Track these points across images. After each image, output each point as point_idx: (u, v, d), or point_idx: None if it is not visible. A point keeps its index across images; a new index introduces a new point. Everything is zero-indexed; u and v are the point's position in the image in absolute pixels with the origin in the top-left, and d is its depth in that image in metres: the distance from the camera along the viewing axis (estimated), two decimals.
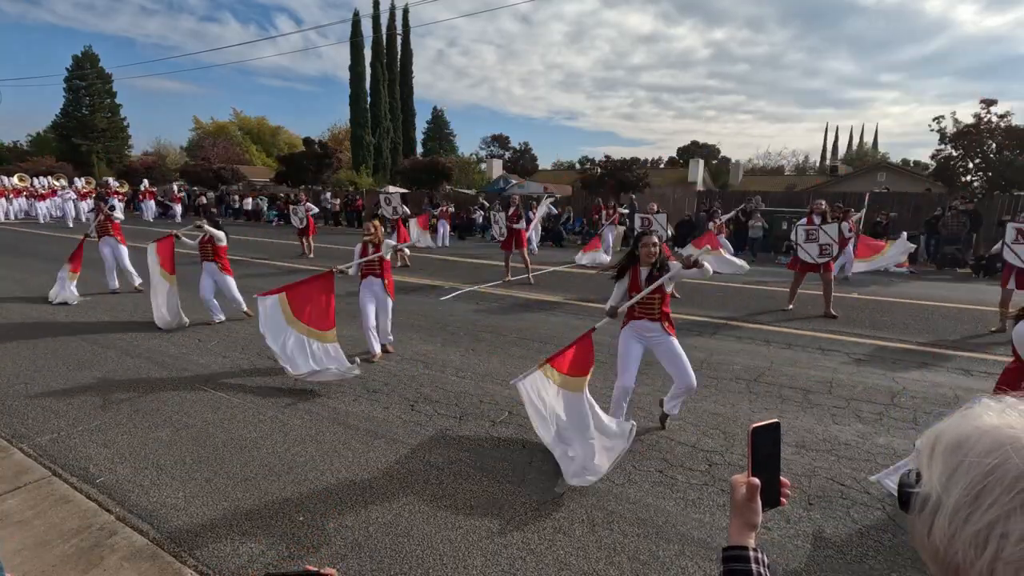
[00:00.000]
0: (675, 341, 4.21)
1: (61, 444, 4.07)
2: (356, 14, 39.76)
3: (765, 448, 0.98)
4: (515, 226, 11.26)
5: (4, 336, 6.80)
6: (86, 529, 3.03)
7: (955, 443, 0.64)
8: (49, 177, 29.03)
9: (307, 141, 38.41)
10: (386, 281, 6.09)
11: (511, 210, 11.54)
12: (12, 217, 25.90)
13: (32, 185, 27.45)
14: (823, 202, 8.98)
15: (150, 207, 27.38)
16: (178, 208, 27.26)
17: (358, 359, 5.22)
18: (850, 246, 11.48)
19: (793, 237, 8.79)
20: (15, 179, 27.58)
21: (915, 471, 0.70)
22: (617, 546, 2.98)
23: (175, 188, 29.28)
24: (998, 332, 7.50)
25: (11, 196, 26.28)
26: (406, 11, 41.34)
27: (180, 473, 3.69)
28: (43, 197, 26.03)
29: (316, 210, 15.43)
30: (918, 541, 0.68)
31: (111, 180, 27.42)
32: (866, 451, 4.05)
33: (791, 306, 8.77)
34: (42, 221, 24.63)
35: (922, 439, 0.71)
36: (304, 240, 15.07)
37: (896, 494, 0.72)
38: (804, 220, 8.72)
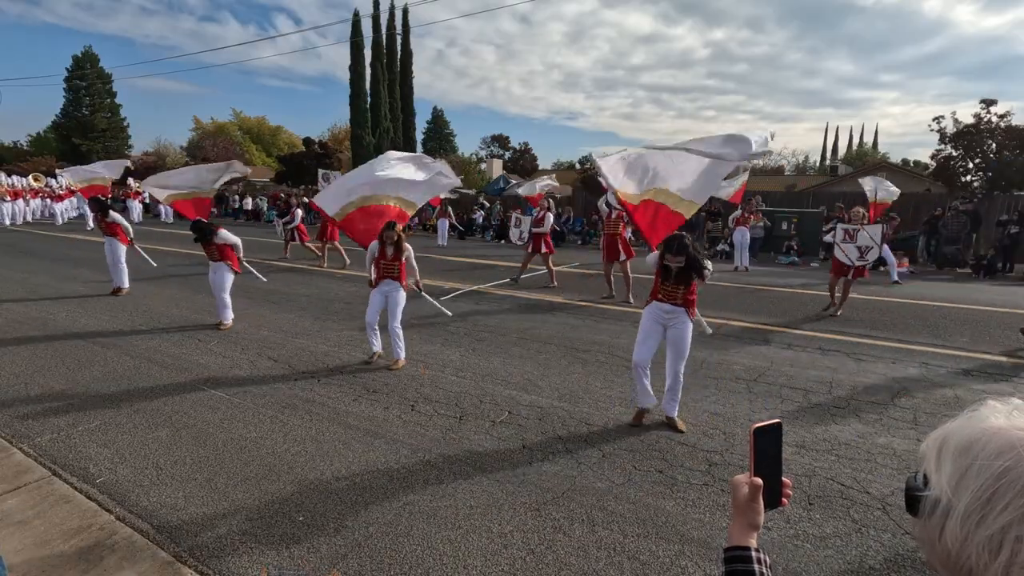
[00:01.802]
0: (689, 327, 4.41)
1: (61, 444, 4.07)
2: (356, 14, 39.70)
3: (767, 448, 0.98)
4: (537, 230, 10.92)
5: (4, 336, 6.80)
6: (86, 529, 3.03)
7: (964, 445, 0.64)
8: (64, 178, 28.27)
9: (307, 141, 38.45)
10: (403, 284, 5.95)
11: (539, 213, 11.19)
12: (28, 218, 24.72)
13: (48, 185, 26.47)
14: (861, 209, 8.77)
15: (170, 209, 26.85)
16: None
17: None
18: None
19: (830, 238, 8.65)
20: (31, 179, 26.58)
21: (922, 473, 0.69)
22: (617, 546, 2.98)
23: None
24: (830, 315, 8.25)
25: (28, 197, 25.30)
26: (406, 11, 41.30)
27: (180, 473, 3.69)
28: (60, 198, 25.04)
29: (299, 217, 14.25)
30: (927, 545, 0.67)
31: (130, 181, 26.90)
32: (866, 451, 4.05)
33: (839, 312, 8.48)
34: (60, 223, 23.61)
35: (928, 441, 0.70)
36: (288, 244, 14.10)
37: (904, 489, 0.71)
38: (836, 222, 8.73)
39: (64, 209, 24.85)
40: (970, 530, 0.60)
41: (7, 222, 22.60)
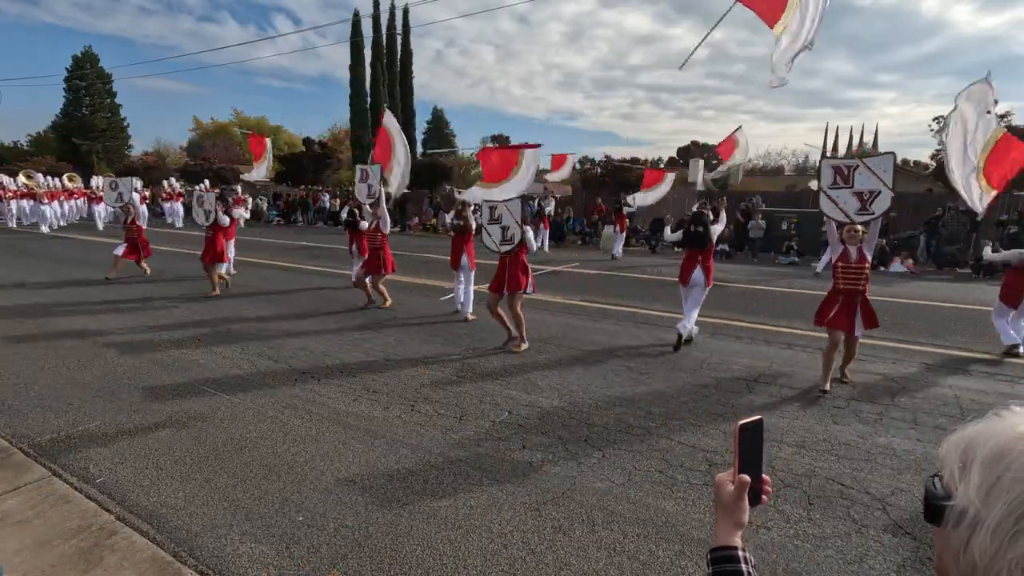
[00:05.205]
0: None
1: (61, 444, 4.07)
2: (356, 14, 39.67)
3: (750, 445, 0.97)
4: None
5: (4, 336, 6.80)
6: (86, 529, 3.03)
7: (995, 454, 0.61)
8: (100, 178, 25.97)
9: (307, 141, 38.45)
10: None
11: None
12: (63, 222, 23.18)
13: (90, 186, 25.05)
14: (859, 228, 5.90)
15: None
16: (243, 212, 23.34)
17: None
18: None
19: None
20: (65, 180, 24.87)
21: (937, 477, 0.67)
22: (617, 546, 2.97)
23: (239, 190, 25.81)
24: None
25: (62, 199, 23.74)
26: (406, 11, 41.25)
27: (180, 473, 3.69)
28: (100, 199, 23.16)
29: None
30: (949, 557, 0.64)
31: (172, 180, 25.81)
32: (866, 451, 4.04)
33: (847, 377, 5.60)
34: (100, 227, 22.07)
35: (947, 445, 0.67)
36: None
37: (923, 501, 0.68)
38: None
39: (103, 211, 23.14)
40: (1001, 544, 0.58)
41: (45, 228, 21.18)
